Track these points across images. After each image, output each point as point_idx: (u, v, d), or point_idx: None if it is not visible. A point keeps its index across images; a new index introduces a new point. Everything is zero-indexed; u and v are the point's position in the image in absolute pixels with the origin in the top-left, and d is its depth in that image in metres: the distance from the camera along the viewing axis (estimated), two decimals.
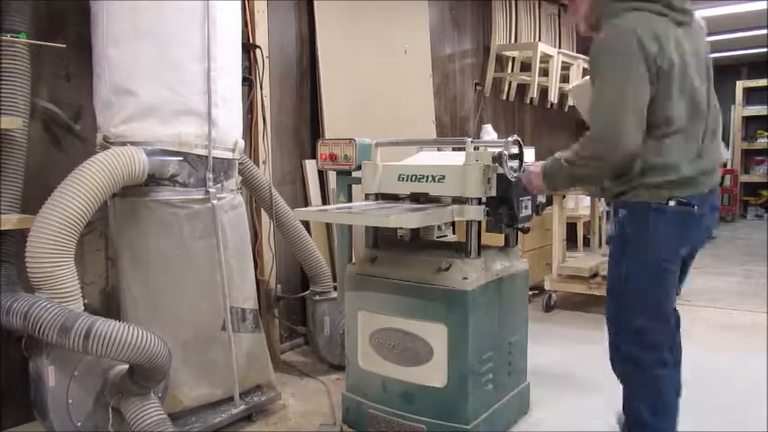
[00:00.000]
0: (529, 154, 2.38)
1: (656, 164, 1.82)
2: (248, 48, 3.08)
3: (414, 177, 2.33)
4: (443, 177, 2.26)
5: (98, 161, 2.02)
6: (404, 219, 2.04)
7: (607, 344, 2.03)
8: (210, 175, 2.30)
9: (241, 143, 2.48)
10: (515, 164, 2.23)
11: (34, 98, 2.25)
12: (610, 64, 1.80)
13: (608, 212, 2.06)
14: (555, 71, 5.88)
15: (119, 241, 2.30)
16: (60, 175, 2.01)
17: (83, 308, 1.96)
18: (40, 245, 1.88)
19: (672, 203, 1.83)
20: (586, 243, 5.56)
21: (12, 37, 2.01)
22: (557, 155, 1.93)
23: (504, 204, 2.25)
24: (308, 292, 3.19)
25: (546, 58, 5.78)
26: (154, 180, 2.20)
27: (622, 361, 1.97)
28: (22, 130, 2.07)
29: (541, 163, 2.02)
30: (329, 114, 3.58)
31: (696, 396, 2.78)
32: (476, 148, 2.30)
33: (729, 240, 7.81)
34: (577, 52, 6.34)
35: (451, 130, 5.06)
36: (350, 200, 2.71)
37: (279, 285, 3.27)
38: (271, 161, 3.23)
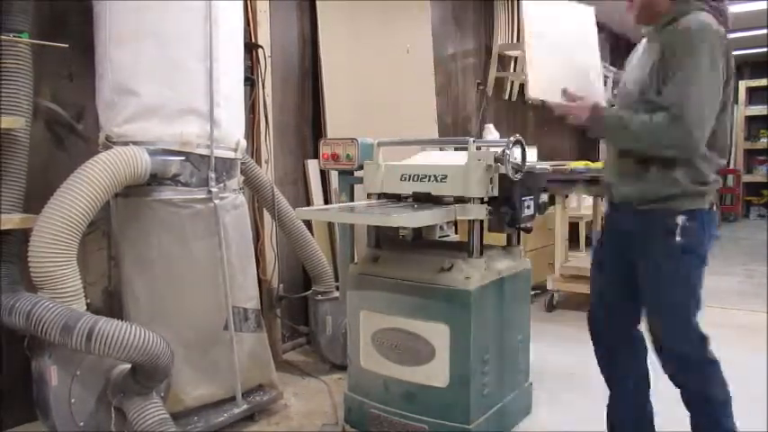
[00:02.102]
0: (531, 154, 2.38)
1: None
2: (250, 47, 3.08)
3: (416, 177, 2.33)
4: (446, 177, 2.26)
5: (100, 161, 2.02)
6: (406, 218, 2.04)
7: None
8: (213, 175, 2.30)
9: (243, 143, 2.48)
10: (517, 164, 2.22)
11: (37, 98, 2.25)
12: (707, 54, 1.76)
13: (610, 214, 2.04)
14: None
15: (121, 241, 2.30)
16: (63, 175, 2.02)
17: (85, 307, 1.97)
18: (43, 244, 1.88)
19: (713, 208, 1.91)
20: (589, 243, 5.55)
21: (14, 37, 2.01)
22: (620, 112, 1.92)
23: (507, 204, 2.25)
24: (310, 291, 3.19)
25: None
26: (156, 180, 2.20)
27: (694, 364, 2.00)
28: (24, 129, 2.07)
29: (596, 103, 1.96)
30: (331, 114, 3.58)
31: None
32: (478, 148, 2.30)
33: (732, 240, 7.79)
34: None
35: (454, 129, 5.06)
36: (352, 199, 2.71)
37: (281, 285, 3.27)
38: (273, 161, 3.23)
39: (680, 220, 1.87)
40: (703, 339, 1.98)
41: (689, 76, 1.76)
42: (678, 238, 1.89)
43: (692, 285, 1.98)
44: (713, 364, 1.98)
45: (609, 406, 2.17)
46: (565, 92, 2.01)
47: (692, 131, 1.76)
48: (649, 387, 2.15)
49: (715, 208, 1.92)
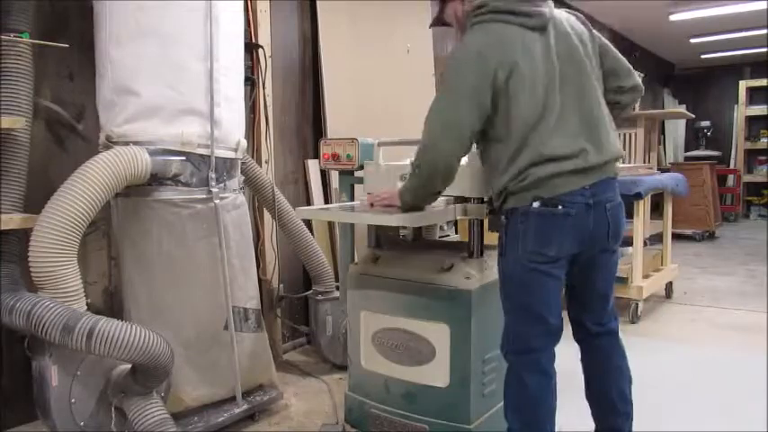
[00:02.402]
0: None
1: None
2: (251, 47, 3.08)
3: None
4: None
5: (101, 161, 2.02)
6: (406, 218, 2.04)
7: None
8: (213, 175, 2.30)
9: (244, 143, 2.48)
10: None
11: (37, 98, 2.25)
12: (453, 76, 1.81)
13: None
14: None
15: (121, 241, 2.30)
16: (63, 175, 2.02)
17: (86, 307, 1.97)
18: (43, 244, 1.88)
19: (536, 204, 1.78)
20: None
21: (15, 36, 2.01)
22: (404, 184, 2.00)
23: None
24: (310, 291, 3.19)
25: None
26: (156, 180, 2.20)
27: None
28: (24, 129, 2.07)
29: (395, 191, 2.05)
30: (332, 114, 3.58)
31: (697, 396, 2.78)
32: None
33: (732, 240, 7.80)
34: None
35: None
36: (352, 200, 2.71)
37: (281, 285, 3.27)
38: (273, 161, 3.23)
39: (501, 218, 1.89)
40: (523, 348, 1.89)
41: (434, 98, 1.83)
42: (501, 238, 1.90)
43: (505, 281, 1.90)
44: (524, 380, 1.88)
45: (534, 398, 1.98)
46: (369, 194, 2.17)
47: (429, 138, 1.82)
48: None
49: (537, 205, 1.78)
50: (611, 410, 2.03)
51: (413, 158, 1.92)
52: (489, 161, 1.91)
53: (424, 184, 1.92)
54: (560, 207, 1.78)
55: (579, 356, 2.07)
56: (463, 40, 1.86)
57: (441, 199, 2.27)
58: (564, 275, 1.87)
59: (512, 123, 1.79)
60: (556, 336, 1.90)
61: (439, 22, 2.10)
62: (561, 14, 1.92)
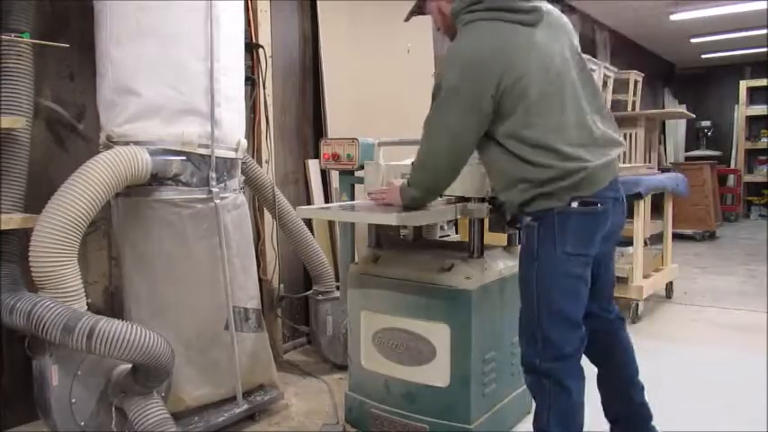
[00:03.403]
0: None
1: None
2: (251, 47, 3.08)
3: None
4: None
5: (101, 161, 2.02)
6: (406, 217, 2.04)
7: None
8: (213, 175, 2.30)
9: (244, 143, 2.48)
10: None
11: (38, 98, 2.25)
12: (450, 77, 1.78)
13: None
14: None
15: (122, 240, 2.30)
16: (63, 175, 2.02)
17: (86, 307, 1.96)
18: (44, 244, 1.88)
19: (575, 204, 1.75)
20: None
21: (15, 36, 2.01)
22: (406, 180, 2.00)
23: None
24: (310, 291, 3.19)
25: None
26: (157, 179, 2.20)
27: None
28: (25, 129, 2.07)
29: (396, 186, 2.05)
30: (332, 114, 3.58)
31: (697, 396, 2.78)
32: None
33: (733, 240, 7.79)
34: (581, 51, 6.33)
35: None
36: (352, 199, 2.71)
37: (282, 285, 3.27)
38: (273, 160, 3.23)
39: (525, 220, 1.85)
40: (556, 354, 1.82)
41: (432, 104, 1.81)
42: (523, 240, 1.88)
43: (538, 287, 1.83)
44: (563, 392, 1.81)
45: (574, 404, 1.93)
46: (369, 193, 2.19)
47: (428, 151, 1.84)
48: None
49: (576, 204, 1.75)
50: (631, 384, 2.06)
51: (414, 161, 1.91)
52: (503, 163, 1.83)
53: (427, 188, 1.95)
54: (599, 205, 1.76)
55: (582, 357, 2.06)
56: (460, 42, 1.81)
57: (440, 199, 2.28)
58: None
59: (529, 124, 1.74)
60: (585, 337, 1.89)
61: (417, 13, 2.07)
62: (550, 7, 1.89)
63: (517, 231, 2.47)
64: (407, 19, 2.16)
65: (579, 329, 1.84)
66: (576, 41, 1.91)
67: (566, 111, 1.76)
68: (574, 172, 1.73)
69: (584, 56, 1.98)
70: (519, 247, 2.53)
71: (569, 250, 1.76)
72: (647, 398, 2.10)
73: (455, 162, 1.85)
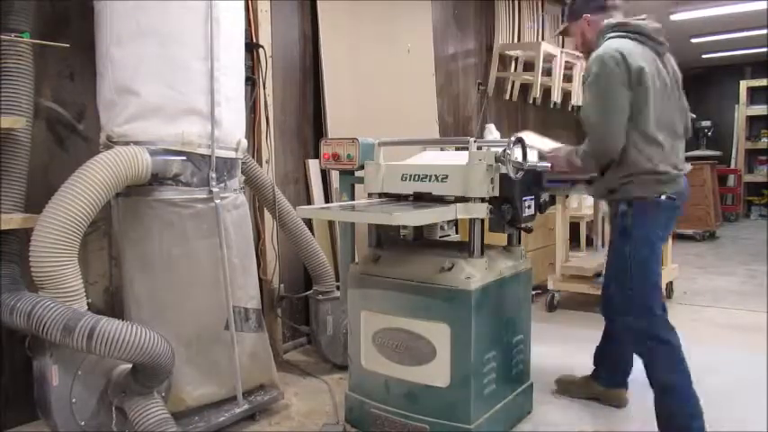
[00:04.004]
0: (532, 154, 2.39)
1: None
2: (251, 47, 3.08)
3: (417, 177, 2.33)
4: (446, 177, 2.26)
5: (101, 161, 2.02)
6: (407, 217, 2.04)
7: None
8: (214, 175, 2.30)
9: (244, 142, 2.48)
10: (518, 163, 2.22)
11: (38, 98, 2.25)
12: (599, 79, 2.19)
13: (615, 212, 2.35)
14: (558, 71, 5.87)
15: (122, 241, 2.30)
16: (64, 175, 2.02)
17: (86, 307, 1.96)
18: (44, 244, 1.88)
19: (663, 197, 2.22)
20: (589, 243, 5.55)
21: (15, 36, 2.01)
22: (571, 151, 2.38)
23: (508, 204, 2.25)
24: (310, 291, 3.19)
25: (549, 58, 5.77)
26: (157, 179, 2.20)
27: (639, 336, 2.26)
28: (25, 129, 2.07)
29: (568, 149, 2.40)
30: (332, 114, 3.58)
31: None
32: (479, 148, 2.29)
33: (733, 240, 7.79)
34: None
35: (454, 129, 5.06)
36: (352, 200, 2.71)
37: (282, 285, 3.27)
38: (274, 160, 3.23)
39: (622, 206, 2.27)
40: (650, 313, 2.22)
41: (587, 99, 2.26)
42: (620, 222, 2.28)
43: (636, 261, 2.23)
44: (663, 343, 2.19)
45: (677, 349, 2.27)
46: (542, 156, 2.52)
47: (597, 144, 2.25)
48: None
49: (665, 198, 2.21)
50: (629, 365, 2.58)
51: (585, 147, 2.28)
52: (628, 155, 2.23)
53: (594, 149, 2.28)
54: (676, 201, 2.25)
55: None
56: (605, 46, 2.23)
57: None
58: None
59: (650, 127, 2.19)
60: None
61: (563, 34, 2.62)
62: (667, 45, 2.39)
63: (517, 231, 2.49)
64: (557, 35, 2.98)
65: (661, 291, 2.29)
66: (679, 77, 2.39)
67: (675, 126, 2.30)
68: (671, 174, 2.24)
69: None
70: (519, 247, 2.56)
71: (659, 230, 2.26)
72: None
73: (615, 148, 2.23)
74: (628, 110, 2.18)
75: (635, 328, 2.25)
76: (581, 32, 2.47)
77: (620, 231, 2.27)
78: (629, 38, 2.25)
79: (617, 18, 2.35)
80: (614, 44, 2.21)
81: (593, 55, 2.23)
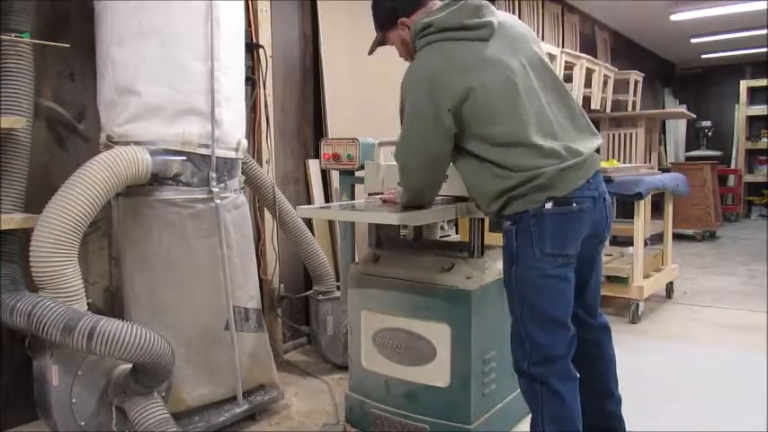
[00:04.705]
0: None
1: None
2: (251, 47, 3.08)
3: None
4: (446, 177, 2.25)
5: (101, 161, 2.02)
6: (407, 216, 2.04)
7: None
8: (214, 175, 2.30)
9: (244, 142, 2.48)
10: None
11: (38, 98, 2.25)
12: (410, 97, 1.83)
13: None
14: (558, 71, 5.87)
15: (122, 240, 2.30)
16: (64, 175, 2.02)
17: (86, 307, 1.97)
18: (44, 244, 1.88)
19: (549, 205, 1.74)
20: None
21: (15, 36, 2.01)
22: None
23: None
24: (311, 291, 3.19)
25: (549, 58, 5.76)
26: (157, 179, 2.20)
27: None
28: (25, 129, 2.07)
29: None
30: (332, 114, 3.58)
31: (697, 395, 2.78)
32: None
33: (733, 240, 7.79)
34: (581, 52, 6.33)
35: None
36: (352, 199, 2.71)
37: (282, 285, 3.27)
38: (274, 160, 3.23)
39: (505, 224, 1.85)
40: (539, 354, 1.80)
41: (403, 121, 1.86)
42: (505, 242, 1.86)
43: (519, 289, 1.81)
44: (555, 389, 1.78)
45: (566, 405, 1.87)
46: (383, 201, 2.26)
47: (404, 167, 1.92)
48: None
49: (551, 205, 1.74)
50: (608, 396, 2.03)
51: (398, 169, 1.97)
52: (476, 169, 1.84)
53: (413, 199, 2.02)
54: (574, 204, 1.75)
55: None
56: (414, 64, 1.86)
57: (439, 198, 2.28)
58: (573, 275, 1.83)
59: (494, 122, 1.75)
60: (574, 338, 1.85)
61: (379, 45, 2.22)
62: (506, 17, 1.94)
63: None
64: (371, 52, 2.27)
65: (566, 330, 1.81)
66: (538, 47, 1.93)
67: (527, 115, 1.76)
68: (549, 172, 1.73)
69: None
70: None
71: (548, 251, 1.75)
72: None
73: (434, 180, 1.96)
74: (448, 139, 1.80)
75: (525, 370, 1.82)
76: (401, 40, 2.06)
77: (507, 255, 1.84)
78: (442, 39, 1.81)
79: (433, 12, 1.88)
80: (424, 58, 1.83)
81: (405, 74, 1.86)
